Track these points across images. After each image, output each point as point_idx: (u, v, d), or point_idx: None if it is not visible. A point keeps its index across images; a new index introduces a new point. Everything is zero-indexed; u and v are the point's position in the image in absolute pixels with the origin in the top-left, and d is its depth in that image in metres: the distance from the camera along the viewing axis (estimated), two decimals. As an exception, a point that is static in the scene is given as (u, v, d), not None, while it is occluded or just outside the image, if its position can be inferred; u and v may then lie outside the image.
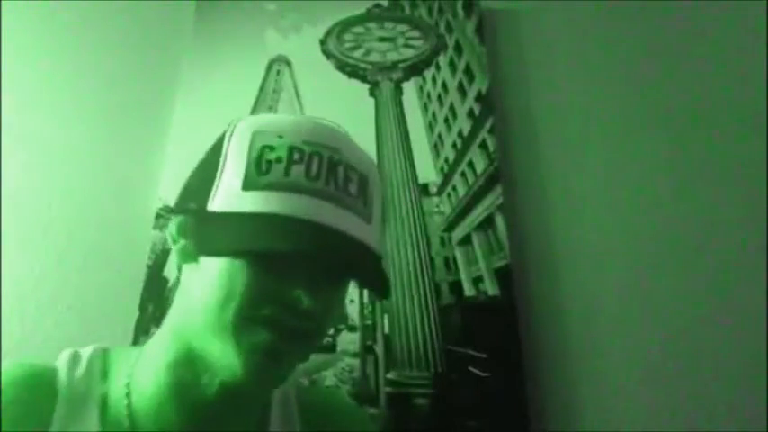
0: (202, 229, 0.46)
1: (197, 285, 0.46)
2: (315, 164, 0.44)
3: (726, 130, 1.11)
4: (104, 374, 0.50)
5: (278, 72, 1.26)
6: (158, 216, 1.10)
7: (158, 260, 1.07)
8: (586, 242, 1.05)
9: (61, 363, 0.50)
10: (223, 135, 0.48)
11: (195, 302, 0.46)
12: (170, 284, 1.05)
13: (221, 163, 0.46)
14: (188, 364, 0.46)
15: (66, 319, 1.03)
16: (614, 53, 1.21)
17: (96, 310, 1.04)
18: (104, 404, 0.48)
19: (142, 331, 1.00)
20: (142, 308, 1.03)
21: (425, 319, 0.99)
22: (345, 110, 1.17)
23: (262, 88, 1.23)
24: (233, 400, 0.48)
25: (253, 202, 0.43)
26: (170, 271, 1.07)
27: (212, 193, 0.45)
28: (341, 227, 0.43)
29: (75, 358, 0.50)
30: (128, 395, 0.48)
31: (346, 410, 0.63)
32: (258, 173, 0.44)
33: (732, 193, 1.06)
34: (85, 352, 0.51)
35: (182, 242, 0.48)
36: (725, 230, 1.03)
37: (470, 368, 0.95)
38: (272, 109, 1.22)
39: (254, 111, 1.20)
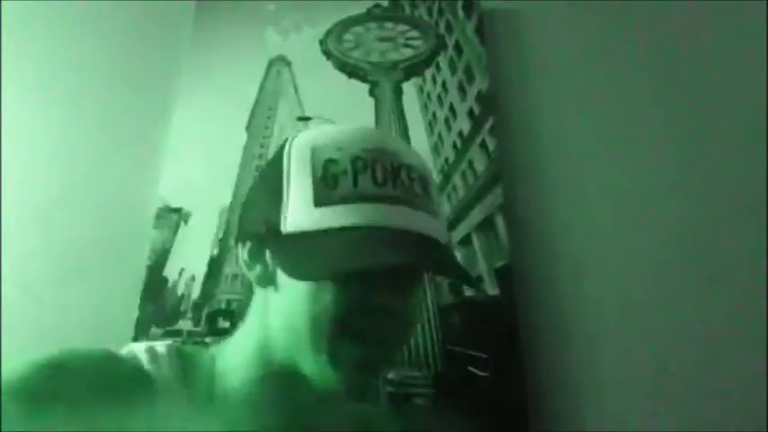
0: (282, 251, 0.46)
1: (280, 307, 0.46)
2: (379, 170, 0.45)
3: (726, 130, 1.11)
4: (187, 374, 0.49)
5: (278, 72, 1.26)
6: (158, 216, 1.10)
7: (158, 260, 1.08)
8: (586, 242, 1.05)
9: (141, 356, 0.49)
10: (280, 154, 0.48)
11: (280, 322, 0.46)
12: (170, 284, 1.06)
13: (285, 182, 0.46)
14: (283, 378, 0.47)
15: (67, 319, 1.03)
16: (614, 53, 1.21)
17: (96, 310, 1.04)
18: (195, 404, 0.48)
19: (142, 331, 1.00)
20: (142, 308, 1.03)
21: (425, 319, 0.99)
22: (345, 110, 1.17)
23: (262, 88, 1.23)
24: (328, 410, 0.50)
25: (329, 218, 0.43)
26: (170, 271, 1.07)
27: (282, 213, 0.45)
28: (417, 228, 0.44)
29: (153, 353, 0.49)
30: (212, 398, 0.49)
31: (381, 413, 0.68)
32: (327, 187, 0.44)
33: (733, 192, 1.06)
34: (160, 347, 0.50)
35: (258, 268, 0.48)
36: (726, 230, 1.03)
37: (470, 368, 0.95)
38: (272, 109, 1.22)
39: (253, 111, 1.21)
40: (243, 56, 1.27)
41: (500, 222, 1.04)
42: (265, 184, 0.49)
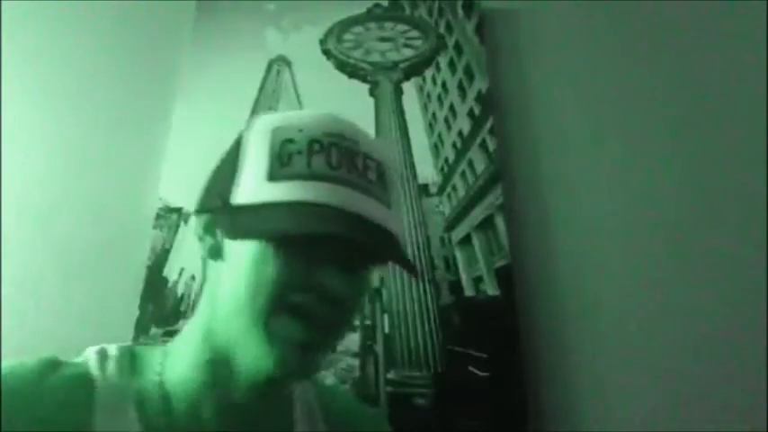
0: (231, 221, 0.47)
1: (226, 279, 0.47)
2: (335, 153, 0.46)
3: (726, 129, 1.11)
4: (134, 372, 0.50)
5: (278, 72, 1.26)
6: (158, 216, 1.10)
7: (158, 260, 1.08)
8: (586, 242, 1.05)
9: (91, 360, 0.49)
10: (241, 134, 0.49)
11: (225, 295, 0.46)
12: (170, 284, 1.06)
13: (242, 159, 0.47)
14: (221, 363, 0.47)
15: (66, 319, 1.03)
16: (614, 53, 1.21)
17: (96, 310, 1.04)
18: (140, 402, 0.48)
19: (142, 331, 1.00)
20: (142, 308, 1.03)
21: (425, 319, 0.99)
22: (345, 110, 1.15)
23: (262, 88, 1.23)
24: (265, 395, 0.49)
25: (279, 192, 0.44)
26: (170, 271, 1.07)
27: (235, 187, 0.46)
28: (364, 212, 0.45)
29: (103, 356, 0.50)
30: (161, 393, 0.49)
31: (368, 416, 0.64)
32: (281, 165, 0.45)
33: (733, 192, 1.06)
34: (112, 349, 0.51)
35: (208, 239, 0.49)
36: (726, 229, 1.03)
37: (470, 368, 0.95)
38: (272, 109, 1.22)
39: (254, 111, 1.20)
40: (243, 56, 1.27)
41: (500, 222, 1.05)
42: (226, 160, 0.50)
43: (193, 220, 0.51)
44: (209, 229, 0.49)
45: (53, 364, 0.48)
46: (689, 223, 1.04)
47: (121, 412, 0.47)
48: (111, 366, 0.49)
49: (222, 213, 0.47)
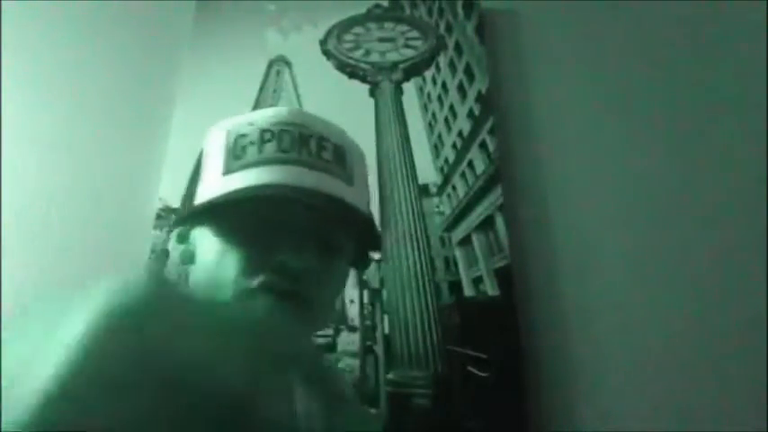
0: (194, 221, 0.49)
1: (199, 279, 0.48)
2: (286, 139, 0.47)
3: (726, 130, 1.11)
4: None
5: (278, 72, 1.26)
6: (158, 216, 1.10)
7: (158, 260, 1.07)
8: (586, 242, 1.05)
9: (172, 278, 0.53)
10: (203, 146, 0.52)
11: (198, 280, 0.48)
12: (170, 284, 1.05)
13: (201, 164, 0.49)
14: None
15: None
16: (614, 53, 1.21)
17: (96, 310, 1.04)
18: None
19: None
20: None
21: (425, 319, 0.99)
22: (345, 110, 1.16)
23: (262, 88, 1.23)
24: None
25: (233, 183, 0.45)
26: (170, 271, 1.07)
27: (197, 191, 0.48)
28: (318, 186, 0.45)
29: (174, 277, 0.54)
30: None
31: (358, 409, 0.65)
32: (234, 158, 0.47)
33: (733, 192, 1.06)
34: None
35: (180, 247, 0.51)
36: (726, 229, 1.03)
37: (470, 368, 0.95)
38: (272, 109, 1.22)
39: (254, 110, 1.20)
40: (243, 56, 1.27)
41: (500, 222, 1.05)
42: (192, 172, 0.52)
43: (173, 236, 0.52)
44: (180, 239, 0.51)
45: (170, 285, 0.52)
46: (689, 223, 1.04)
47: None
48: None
49: (189, 218, 0.49)
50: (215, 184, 0.46)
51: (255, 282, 0.44)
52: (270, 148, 0.46)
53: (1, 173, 1.16)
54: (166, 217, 1.11)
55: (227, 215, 0.46)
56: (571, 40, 1.23)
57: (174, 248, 0.52)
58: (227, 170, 0.46)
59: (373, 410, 0.93)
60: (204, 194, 0.47)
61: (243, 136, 0.48)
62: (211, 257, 0.46)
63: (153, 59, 1.29)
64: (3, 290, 1.05)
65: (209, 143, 0.51)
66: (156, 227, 1.10)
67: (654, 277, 1.01)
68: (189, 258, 0.49)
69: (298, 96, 1.23)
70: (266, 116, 0.49)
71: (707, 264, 1.01)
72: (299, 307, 0.45)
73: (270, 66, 1.26)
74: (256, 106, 1.21)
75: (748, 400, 0.90)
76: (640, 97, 1.16)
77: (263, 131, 0.47)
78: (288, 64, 1.26)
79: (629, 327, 0.98)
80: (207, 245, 0.47)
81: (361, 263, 0.57)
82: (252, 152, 0.46)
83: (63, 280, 1.08)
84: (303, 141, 0.47)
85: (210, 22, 1.30)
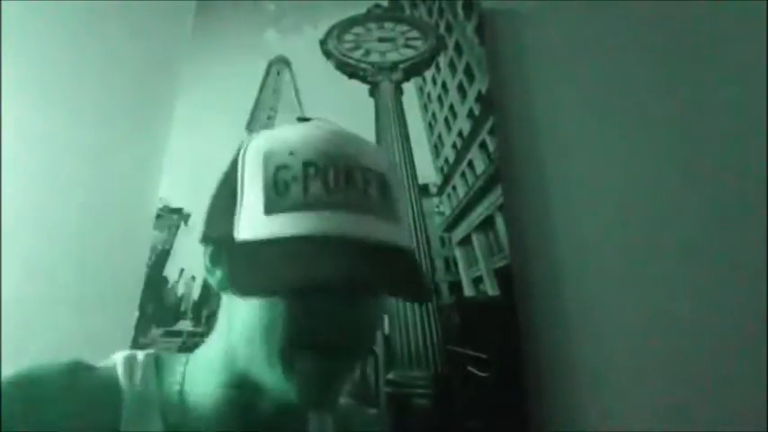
0: (233, 261, 0.46)
1: (240, 312, 0.46)
2: (331, 175, 0.43)
3: (726, 130, 1.11)
4: (159, 379, 0.51)
5: (278, 72, 1.26)
6: (158, 216, 1.10)
7: (158, 260, 1.08)
8: (586, 242, 1.05)
9: (119, 365, 0.50)
10: (237, 156, 0.47)
11: (240, 329, 0.46)
12: (170, 284, 1.06)
13: (240, 187, 0.45)
14: (244, 386, 0.48)
15: (66, 319, 1.03)
16: (614, 53, 1.21)
17: (96, 310, 1.04)
18: (163, 410, 0.49)
19: (142, 331, 1.00)
20: (142, 308, 1.03)
21: (425, 319, 0.99)
22: (345, 110, 1.17)
23: (262, 88, 1.23)
24: (289, 419, 0.50)
25: (278, 227, 0.42)
26: (170, 271, 1.07)
27: (237, 218, 0.44)
28: (369, 234, 0.42)
29: (130, 361, 0.51)
30: (181, 402, 0.49)
31: (365, 412, 0.66)
32: (277, 194, 0.43)
33: (733, 192, 1.06)
34: (139, 356, 0.52)
35: (218, 273, 0.48)
36: (726, 229, 1.03)
37: (470, 368, 0.95)
38: (272, 109, 1.22)
39: (254, 111, 1.21)
40: (243, 56, 1.27)
41: (500, 222, 1.05)
42: (225, 187, 0.48)
43: (201, 250, 0.50)
44: (216, 262, 0.48)
45: (83, 366, 0.49)
46: (690, 223, 1.04)
47: (146, 418, 0.47)
48: (138, 372, 0.50)
49: (229, 247, 0.45)
50: (257, 223, 0.43)
51: (315, 339, 0.43)
52: (315, 186, 0.42)
53: (1, 173, 1.16)
54: (166, 217, 1.11)
55: (267, 260, 0.42)
56: (571, 40, 1.23)
57: (209, 271, 0.49)
58: (269, 209, 0.42)
59: (373, 410, 0.93)
60: (245, 230, 0.43)
61: (284, 168, 0.43)
62: (265, 304, 0.43)
63: (153, 59, 1.29)
64: (3, 290, 1.05)
65: (246, 164, 0.46)
66: (155, 227, 1.10)
67: (654, 277, 1.01)
68: (228, 286, 0.47)
69: (298, 96, 1.23)
70: (307, 143, 0.45)
71: (707, 263, 1.01)
72: (351, 360, 0.47)
73: (270, 66, 1.26)
74: (256, 106, 1.21)
75: (748, 400, 0.90)
76: (640, 97, 1.16)
77: (307, 165, 0.43)
78: (288, 64, 1.26)
79: (630, 327, 0.98)
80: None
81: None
82: (296, 191, 0.42)
83: (63, 280, 1.08)
84: (349, 176, 0.44)
85: (210, 23, 1.30)
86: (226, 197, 0.47)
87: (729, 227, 1.03)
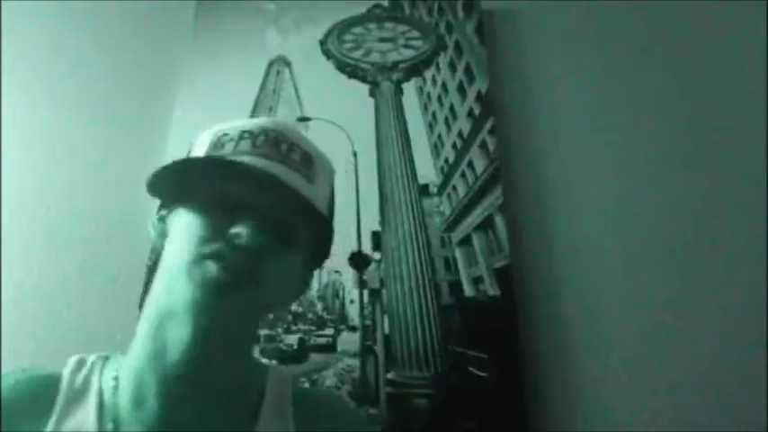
0: (171, 204, 0.54)
1: (168, 251, 0.52)
2: (260, 139, 0.52)
3: (726, 129, 1.11)
4: (101, 373, 0.53)
5: (278, 72, 1.26)
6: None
7: (158, 260, 1.07)
8: (586, 242, 1.05)
9: (67, 367, 0.53)
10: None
11: (164, 267, 0.51)
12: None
13: (188, 154, 0.55)
14: (159, 329, 0.49)
15: (67, 319, 1.04)
16: (614, 53, 1.21)
17: (96, 310, 1.04)
18: (100, 396, 0.51)
19: (142, 331, 1.00)
20: (142, 308, 1.02)
21: (425, 319, 0.99)
22: (345, 110, 1.17)
23: (262, 88, 1.23)
24: (199, 367, 0.48)
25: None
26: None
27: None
28: (279, 175, 0.49)
29: (80, 362, 0.54)
30: (115, 381, 0.51)
31: (344, 413, 0.62)
32: (213, 149, 0.53)
33: (733, 191, 1.06)
34: (90, 357, 0.54)
35: (159, 225, 0.55)
36: (725, 229, 1.03)
37: (470, 368, 0.95)
38: (272, 109, 1.22)
39: (254, 111, 1.21)
40: (243, 56, 1.27)
41: (500, 222, 1.05)
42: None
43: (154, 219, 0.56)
44: (161, 218, 0.55)
45: (23, 372, 0.52)
46: (690, 223, 1.04)
47: (80, 408, 0.50)
48: (83, 372, 0.53)
49: (167, 199, 0.54)
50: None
51: (209, 249, 0.48)
52: (245, 144, 0.52)
53: (1, 173, 1.16)
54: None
55: (195, 193, 0.51)
56: (571, 40, 1.23)
57: (154, 227, 0.55)
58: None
59: (373, 410, 0.93)
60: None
61: (225, 134, 0.54)
62: (179, 230, 0.51)
63: (153, 59, 1.29)
64: (3, 290, 1.05)
65: (200, 139, 0.56)
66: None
67: (653, 277, 1.01)
68: (163, 234, 0.54)
69: (298, 96, 1.23)
70: (250, 122, 0.55)
71: (707, 263, 1.01)
72: (246, 284, 0.48)
73: (270, 66, 1.26)
74: (256, 106, 1.21)
75: (748, 400, 0.90)
76: (640, 97, 1.16)
77: (243, 132, 0.53)
78: (288, 64, 1.26)
79: (629, 326, 0.98)
80: (177, 220, 0.52)
81: (315, 263, 0.59)
82: (229, 146, 0.52)
83: (64, 280, 1.08)
84: (275, 143, 0.52)
85: (211, 23, 1.30)
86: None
87: (729, 226, 1.03)
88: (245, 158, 0.50)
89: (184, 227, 0.50)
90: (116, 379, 0.51)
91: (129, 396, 0.50)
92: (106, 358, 0.55)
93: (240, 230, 0.48)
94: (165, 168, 0.51)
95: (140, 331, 0.52)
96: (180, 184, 0.52)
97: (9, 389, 0.50)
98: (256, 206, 0.49)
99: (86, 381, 0.52)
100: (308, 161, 0.54)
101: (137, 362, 0.50)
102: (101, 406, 0.50)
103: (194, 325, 0.47)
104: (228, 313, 0.48)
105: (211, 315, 0.47)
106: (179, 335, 0.48)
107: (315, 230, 0.53)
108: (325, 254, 0.59)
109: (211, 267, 0.47)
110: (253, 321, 0.55)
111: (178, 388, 0.48)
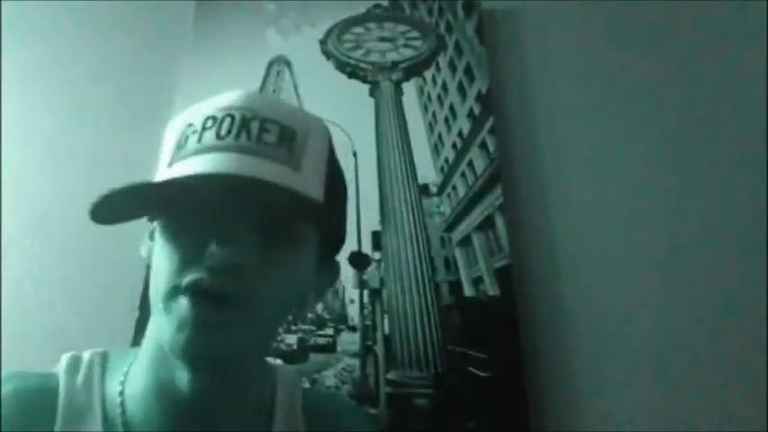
0: (151, 217, 0.49)
1: (151, 276, 0.46)
2: (226, 124, 0.45)
3: (726, 130, 1.11)
4: (103, 379, 0.49)
5: (278, 72, 1.26)
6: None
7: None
8: (586, 242, 1.05)
9: (61, 369, 0.49)
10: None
11: (151, 290, 0.46)
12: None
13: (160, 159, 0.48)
14: (163, 361, 0.45)
15: (67, 319, 1.04)
16: (614, 52, 1.21)
17: (96, 310, 1.04)
18: (104, 408, 0.47)
19: (142, 331, 1.00)
20: (142, 308, 1.02)
21: (425, 319, 0.99)
22: (345, 110, 1.17)
23: (262, 88, 1.23)
24: (210, 391, 0.45)
25: (175, 173, 0.43)
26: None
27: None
28: (252, 173, 0.42)
29: (74, 363, 0.50)
30: (121, 397, 0.48)
31: (348, 412, 0.63)
32: (178, 149, 0.46)
33: (733, 192, 1.06)
34: (85, 356, 0.51)
35: (147, 244, 0.50)
36: (726, 229, 1.03)
37: (470, 368, 0.95)
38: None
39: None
40: (243, 56, 1.27)
41: (500, 222, 1.05)
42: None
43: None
44: (151, 235, 0.49)
45: (18, 375, 0.48)
46: (690, 223, 1.04)
47: (85, 418, 0.46)
48: (81, 373, 0.49)
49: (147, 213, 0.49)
50: (160, 176, 0.45)
51: (183, 280, 0.41)
52: (208, 135, 0.44)
53: (1, 173, 1.16)
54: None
55: (167, 209, 0.45)
56: (571, 40, 1.23)
57: (145, 244, 0.51)
58: (171, 162, 0.45)
59: (373, 410, 0.93)
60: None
61: (190, 125, 0.46)
62: (155, 254, 0.45)
63: (153, 59, 1.29)
64: (3, 290, 1.05)
65: (166, 135, 0.50)
66: (156, 227, 1.09)
67: (654, 276, 1.01)
68: (150, 255, 0.48)
69: (298, 96, 1.23)
70: (214, 102, 0.48)
71: (707, 263, 1.01)
72: (236, 311, 0.41)
73: (270, 66, 1.26)
74: (256, 106, 1.21)
75: (748, 400, 0.90)
76: (640, 97, 1.16)
77: (207, 118, 0.46)
78: (288, 64, 1.26)
79: (630, 327, 0.98)
80: (156, 239, 0.46)
81: (332, 249, 0.53)
82: (192, 142, 0.45)
83: (63, 280, 1.08)
84: (243, 124, 0.45)
85: (210, 23, 1.30)
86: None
87: (730, 227, 1.03)
88: (210, 159, 0.42)
89: (158, 250, 0.45)
90: (122, 386, 0.48)
91: (136, 413, 0.46)
92: (104, 357, 0.51)
93: (214, 250, 0.40)
94: (108, 197, 0.45)
95: (144, 355, 0.48)
96: (143, 199, 0.45)
97: (5, 400, 0.46)
98: (233, 214, 0.42)
99: (87, 387, 0.48)
100: (288, 139, 0.45)
101: (144, 390, 0.47)
102: (105, 420, 0.46)
103: (191, 368, 0.43)
104: (222, 348, 0.41)
105: (205, 355, 0.41)
106: (180, 374, 0.44)
107: (316, 218, 0.46)
108: (341, 237, 0.53)
109: (186, 306, 0.40)
110: (261, 337, 0.48)
111: (190, 415, 0.45)
